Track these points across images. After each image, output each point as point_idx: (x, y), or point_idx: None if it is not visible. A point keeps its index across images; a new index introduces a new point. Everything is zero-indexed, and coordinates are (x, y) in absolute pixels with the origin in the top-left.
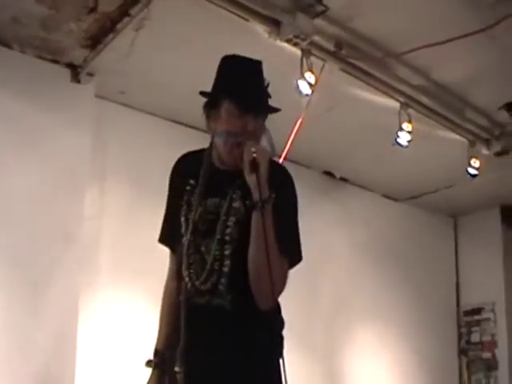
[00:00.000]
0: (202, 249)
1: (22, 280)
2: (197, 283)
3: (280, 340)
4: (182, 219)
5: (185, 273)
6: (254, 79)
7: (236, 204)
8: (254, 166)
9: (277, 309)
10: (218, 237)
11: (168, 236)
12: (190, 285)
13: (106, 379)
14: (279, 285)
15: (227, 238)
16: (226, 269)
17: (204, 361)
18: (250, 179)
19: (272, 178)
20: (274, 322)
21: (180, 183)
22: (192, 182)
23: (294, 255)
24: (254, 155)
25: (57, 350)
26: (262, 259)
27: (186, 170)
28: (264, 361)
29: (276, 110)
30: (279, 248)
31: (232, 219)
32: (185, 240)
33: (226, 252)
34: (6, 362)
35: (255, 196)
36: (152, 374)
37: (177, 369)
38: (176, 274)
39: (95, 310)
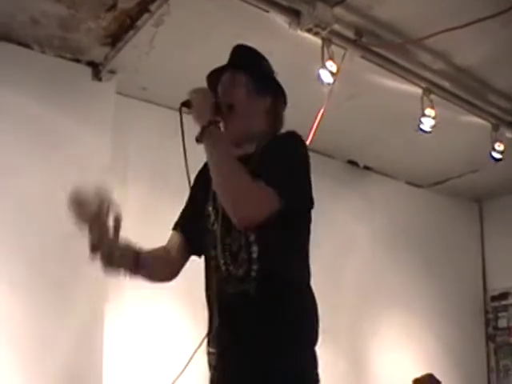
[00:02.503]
0: (228, 240)
1: (48, 282)
2: (231, 268)
3: (308, 316)
4: (210, 209)
5: (221, 260)
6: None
7: None
8: (189, 105)
9: (299, 287)
10: None
11: (179, 223)
12: (224, 270)
13: (132, 380)
14: (247, 205)
15: None
16: (254, 255)
17: (232, 342)
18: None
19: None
20: (300, 299)
21: (205, 179)
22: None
23: (281, 186)
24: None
25: (84, 351)
26: (216, 180)
27: (204, 188)
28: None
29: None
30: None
31: None
32: (216, 228)
33: (251, 238)
34: (33, 364)
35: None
36: None
37: (210, 350)
38: (167, 248)
39: (121, 310)
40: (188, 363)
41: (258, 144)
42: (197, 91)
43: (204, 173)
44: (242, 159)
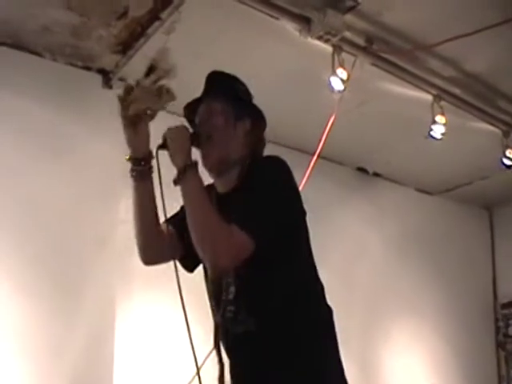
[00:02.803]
0: (212, 285)
1: (58, 284)
2: (217, 316)
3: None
4: None
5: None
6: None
7: None
8: (165, 143)
9: (303, 310)
10: None
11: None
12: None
13: (143, 381)
14: (219, 254)
15: None
16: (230, 296)
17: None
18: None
19: (249, 166)
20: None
21: None
22: None
23: (245, 225)
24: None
25: (95, 353)
26: (189, 226)
27: None
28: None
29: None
30: (232, 217)
31: None
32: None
33: (229, 279)
34: (44, 366)
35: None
36: None
37: None
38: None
39: (131, 312)
40: (199, 369)
41: (240, 172)
42: (172, 131)
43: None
44: (224, 196)
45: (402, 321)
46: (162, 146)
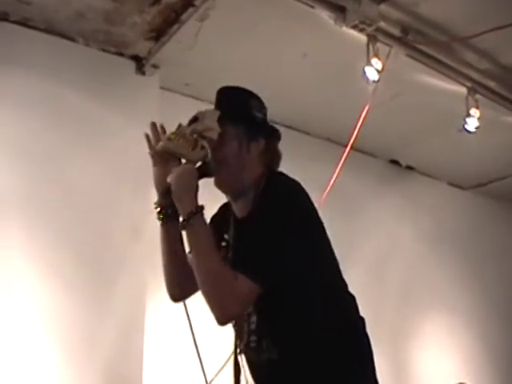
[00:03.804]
0: None
1: (89, 276)
2: (241, 345)
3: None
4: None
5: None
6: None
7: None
8: (169, 189)
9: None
10: None
11: None
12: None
13: (173, 374)
14: (223, 304)
15: None
16: (253, 326)
17: None
18: None
19: (261, 192)
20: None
21: (217, 234)
22: (226, 237)
23: (250, 271)
24: (168, 180)
25: (124, 345)
26: (197, 271)
27: (222, 222)
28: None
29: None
30: (238, 264)
31: None
32: None
33: (250, 310)
34: (73, 357)
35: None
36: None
37: None
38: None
39: (162, 304)
40: (227, 361)
41: (254, 195)
42: (176, 174)
43: (216, 223)
44: (242, 221)
45: (434, 316)
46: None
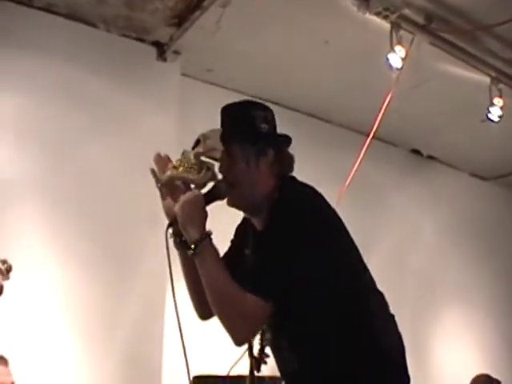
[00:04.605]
0: None
1: (110, 261)
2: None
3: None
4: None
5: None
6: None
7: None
8: (175, 220)
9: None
10: None
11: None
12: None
13: (192, 358)
14: (237, 328)
15: None
16: (266, 343)
17: None
18: None
19: (277, 207)
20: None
21: (239, 248)
22: (247, 252)
23: (262, 291)
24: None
25: (145, 328)
26: (208, 297)
27: (244, 236)
28: None
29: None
30: (251, 285)
31: None
32: None
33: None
34: (95, 342)
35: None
36: None
37: None
38: None
39: (183, 287)
40: (247, 348)
41: (269, 208)
42: (182, 204)
43: (243, 225)
44: (261, 233)
45: (453, 306)
46: (171, 224)
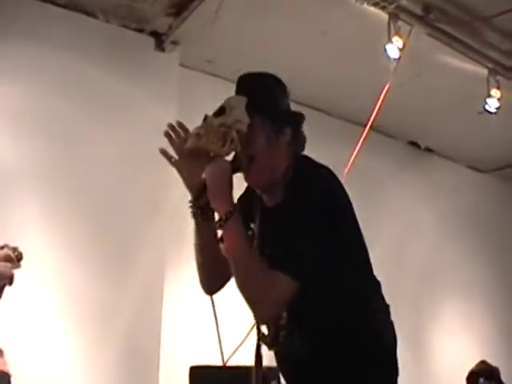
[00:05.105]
0: None
1: (108, 251)
2: (269, 340)
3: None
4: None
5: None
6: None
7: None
8: (204, 188)
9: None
10: None
11: None
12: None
13: (189, 350)
14: (263, 305)
15: None
16: (283, 321)
17: None
18: None
19: (293, 185)
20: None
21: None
22: (252, 226)
23: (291, 269)
24: (203, 176)
25: (142, 320)
26: (233, 275)
27: (248, 208)
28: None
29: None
30: (279, 263)
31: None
32: None
33: None
34: (93, 332)
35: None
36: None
37: None
38: None
39: (181, 280)
40: (246, 337)
41: (284, 185)
42: (212, 170)
43: (245, 198)
44: (271, 210)
45: (452, 299)
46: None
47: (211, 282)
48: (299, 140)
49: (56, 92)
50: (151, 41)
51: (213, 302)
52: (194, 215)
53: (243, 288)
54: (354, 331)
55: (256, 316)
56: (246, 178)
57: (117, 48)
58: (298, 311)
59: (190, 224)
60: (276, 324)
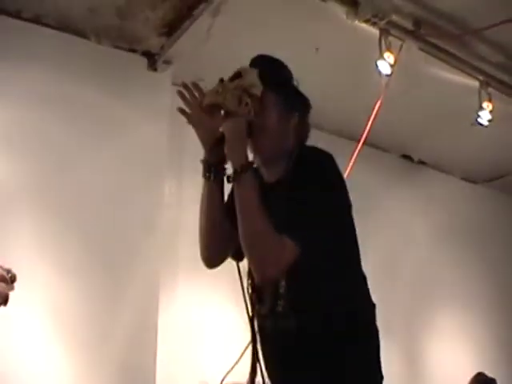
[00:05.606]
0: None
1: (103, 268)
2: (263, 309)
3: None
4: None
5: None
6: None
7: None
8: (223, 138)
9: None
10: None
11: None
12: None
13: (185, 366)
14: (268, 259)
15: None
16: (281, 290)
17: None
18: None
19: (298, 164)
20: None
21: None
22: None
23: (295, 235)
24: (221, 129)
25: (137, 337)
26: (240, 230)
27: None
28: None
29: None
30: (284, 228)
31: None
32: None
33: None
34: (87, 349)
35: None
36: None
37: None
38: None
39: (175, 297)
40: (242, 355)
41: (287, 164)
42: (230, 124)
43: None
44: (269, 186)
45: (446, 310)
46: (221, 140)
47: (213, 254)
48: (305, 127)
49: (47, 113)
50: (144, 61)
51: (238, 268)
52: (206, 173)
53: (250, 244)
54: (347, 309)
55: (257, 273)
56: (252, 145)
57: (109, 69)
58: (296, 281)
59: (183, 241)
60: (274, 292)
